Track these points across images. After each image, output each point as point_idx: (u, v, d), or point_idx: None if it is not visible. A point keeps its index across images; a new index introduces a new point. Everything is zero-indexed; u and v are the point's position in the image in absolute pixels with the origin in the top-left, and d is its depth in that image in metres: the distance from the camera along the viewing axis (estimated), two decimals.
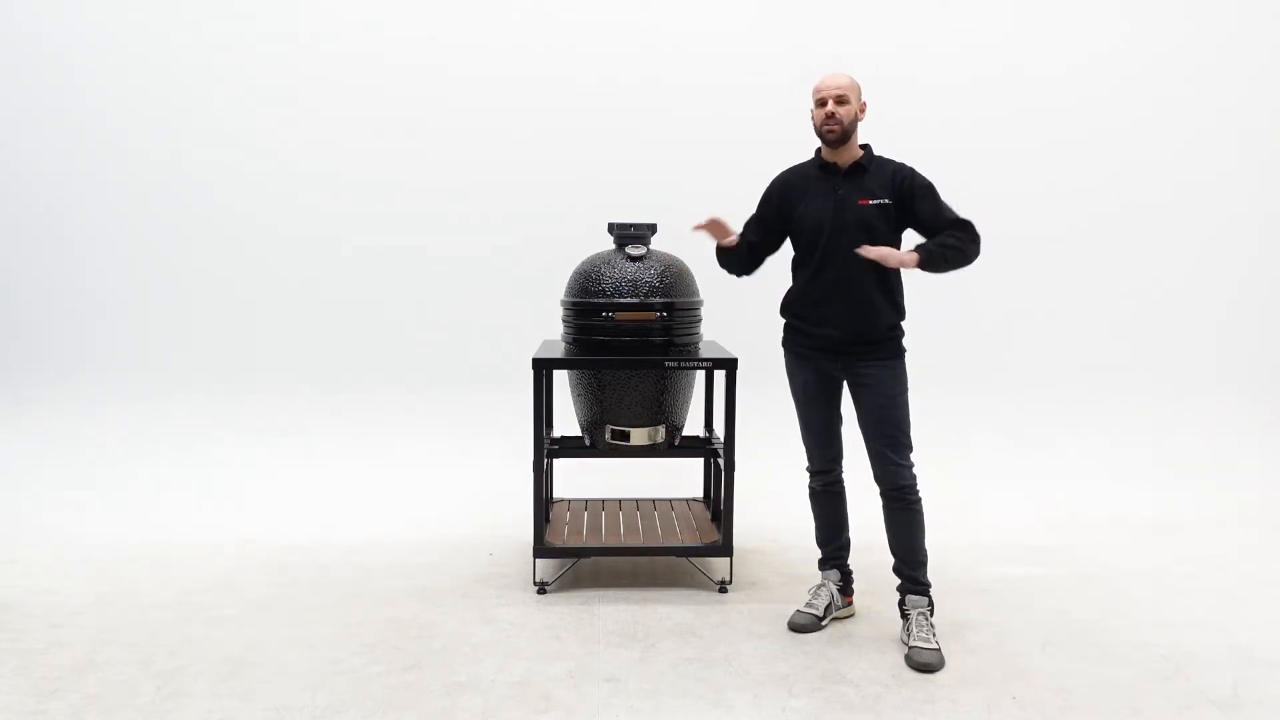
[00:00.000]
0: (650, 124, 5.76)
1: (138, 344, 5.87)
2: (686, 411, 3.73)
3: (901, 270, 3.00)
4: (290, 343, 5.82)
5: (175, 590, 3.47)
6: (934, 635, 2.93)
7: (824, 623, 3.17)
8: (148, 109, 5.83)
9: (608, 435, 3.58)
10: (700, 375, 3.95)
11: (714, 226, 3.15)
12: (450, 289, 5.80)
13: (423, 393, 5.71)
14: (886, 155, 3.04)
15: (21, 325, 5.96)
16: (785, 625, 3.16)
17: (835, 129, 2.92)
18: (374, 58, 5.76)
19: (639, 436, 3.55)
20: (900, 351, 3.03)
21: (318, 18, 5.77)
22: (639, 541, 3.62)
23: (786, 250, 3.17)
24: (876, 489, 3.04)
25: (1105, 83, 5.84)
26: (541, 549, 3.49)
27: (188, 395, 5.72)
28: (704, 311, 3.75)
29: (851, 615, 3.28)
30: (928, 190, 2.93)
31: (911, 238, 2.97)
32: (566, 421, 4.14)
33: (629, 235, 3.63)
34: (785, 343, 3.17)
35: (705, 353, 3.60)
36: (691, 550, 3.57)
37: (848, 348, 2.99)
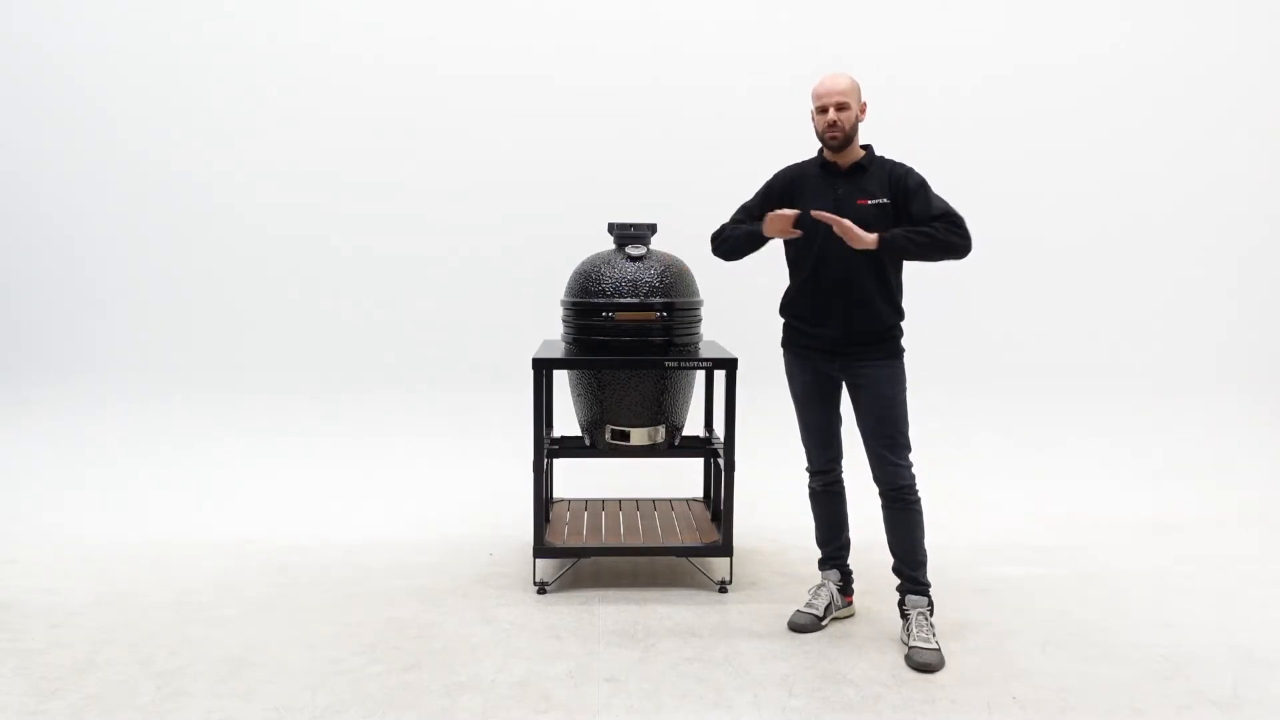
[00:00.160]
0: (651, 124, 5.76)
1: (138, 344, 5.86)
2: (686, 411, 3.73)
3: (902, 270, 3.02)
4: (290, 343, 5.81)
5: (175, 590, 3.47)
6: (934, 635, 2.94)
7: (824, 623, 3.17)
8: (147, 109, 5.83)
9: (608, 435, 3.58)
10: (700, 375, 3.95)
11: (783, 219, 2.95)
12: (450, 289, 5.80)
13: (423, 393, 5.71)
14: (887, 155, 3.05)
15: (21, 325, 5.96)
16: (785, 625, 3.16)
17: (838, 136, 2.93)
18: (374, 58, 5.76)
19: (639, 436, 3.55)
20: (899, 351, 3.03)
21: (318, 18, 5.77)
22: (639, 541, 3.62)
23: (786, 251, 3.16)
24: (876, 489, 3.04)
25: (1105, 83, 5.84)
26: (541, 549, 3.49)
27: (188, 395, 5.72)
28: (704, 311, 3.75)
29: (851, 615, 3.28)
30: (920, 188, 2.93)
31: None
32: (566, 421, 4.14)
33: (629, 235, 3.63)
34: (784, 342, 3.18)
35: (705, 353, 3.60)
36: (691, 550, 3.57)
37: (846, 348, 2.99)
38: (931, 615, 3.01)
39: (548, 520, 3.75)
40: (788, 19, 5.78)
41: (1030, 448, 5.44)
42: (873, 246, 2.83)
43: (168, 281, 5.89)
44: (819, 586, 3.25)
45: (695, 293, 3.68)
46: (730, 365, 3.42)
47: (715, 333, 4.14)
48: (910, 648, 2.91)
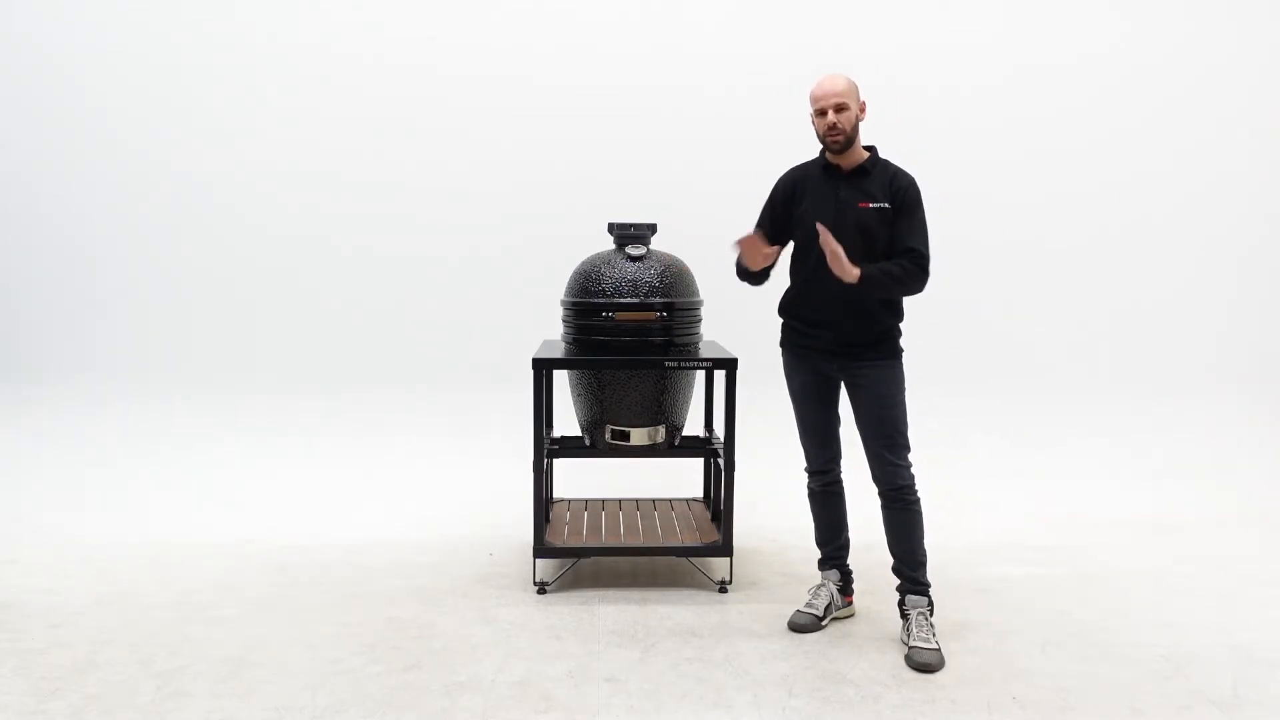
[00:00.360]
0: (650, 124, 5.76)
1: (138, 344, 5.87)
2: (686, 411, 3.73)
3: None
4: (290, 343, 5.82)
5: (175, 590, 3.47)
6: (934, 635, 2.93)
7: (824, 623, 3.17)
8: (147, 109, 5.83)
9: (608, 435, 3.58)
10: (700, 375, 3.95)
11: (752, 245, 2.97)
12: (450, 289, 5.81)
13: (423, 393, 5.71)
14: (890, 158, 3.04)
15: (21, 325, 5.96)
16: (785, 625, 3.16)
17: (839, 138, 2.93)
18: (374, 58, 5.76)
19: (639, 436, 3.55)
20: (897, 352, 3.02)
21: (318, 18, 5.77)
22: (639, 541, 3.61)
23: (786, 251, 3.17)
24: (875, 489, 3.04)
25: (1105, 84, 5.84)
26: (541, 549, 3.49)
27: (188, 395, 5.72)
28: (704, 311, 3.75)
29: (851, 615, 3.28)
30: (913, 208, 2.93)
31: None
32: (566, 421, 4.14)
33: (629, 235, 3.63)
34: (783, 342, 3.17)
35: (705, 353, 3.60)
36: (691, 550, 3.57)
37: (844, 348, 2.99)
38: (931, 615, 3.01)
39: (548, 520, 3.75)
40: (788, 19, 5.79)
41: (1029, 448, 5.43)
42: (853, 282, 2.83)
43: (168, 281, 5.89)
44: (819, 586, 3.25)
45: (695, 293, 3.68)
46: (730, 365, 3.42)
47: (715, 333, 4.14)
48: (910, 648, 2.91)
